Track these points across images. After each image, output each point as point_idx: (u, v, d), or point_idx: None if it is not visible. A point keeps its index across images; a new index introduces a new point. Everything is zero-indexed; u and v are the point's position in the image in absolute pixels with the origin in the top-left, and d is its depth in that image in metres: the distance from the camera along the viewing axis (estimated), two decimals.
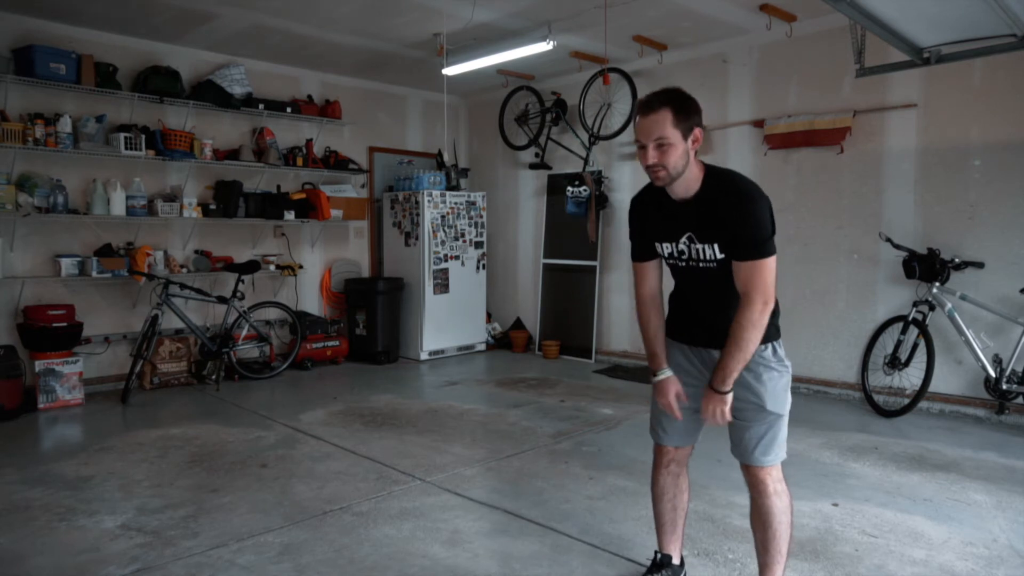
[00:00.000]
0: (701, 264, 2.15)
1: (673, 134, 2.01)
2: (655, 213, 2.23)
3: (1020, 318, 4.49)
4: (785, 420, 2.20)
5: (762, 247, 2.03)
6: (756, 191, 2.06)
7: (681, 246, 2.17)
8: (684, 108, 2.04)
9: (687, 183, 2.10)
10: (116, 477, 3.64)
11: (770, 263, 2.04)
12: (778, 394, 2.18)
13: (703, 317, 2.25)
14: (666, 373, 2.27)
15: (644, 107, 2.06)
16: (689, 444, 2.42)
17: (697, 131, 2.06)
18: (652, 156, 2.04)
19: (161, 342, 5.75)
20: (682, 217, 2.14)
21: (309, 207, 6.67)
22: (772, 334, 2.16)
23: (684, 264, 2.20)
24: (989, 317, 4.68)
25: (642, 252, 2.32)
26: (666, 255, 2.24)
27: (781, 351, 2.21)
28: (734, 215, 2.03)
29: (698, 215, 2.10)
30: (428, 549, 2.82)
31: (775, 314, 2.14)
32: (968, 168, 4.81)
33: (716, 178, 2.11)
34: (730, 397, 2.11)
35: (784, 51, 5.59)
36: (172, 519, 3.11)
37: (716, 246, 2.09)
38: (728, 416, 2.13)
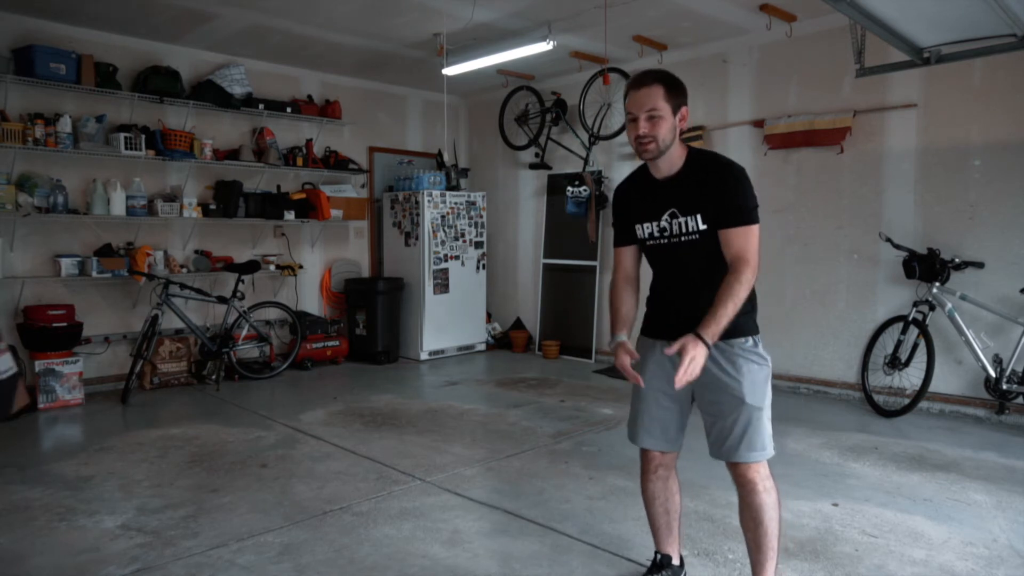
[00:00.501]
0: (683, 238, 2.19)
1: (664, 107, 2.12)
2: (638, 197, 2.31)
3: (1020, 318, 4.49)
4: (766, 414, 2.18)
5: (751, 213, 2.12)
6: (739, 166, 2.17)
7: (663, 223, 2.22)
8: (674, 86, 2.16)
9: (671, 160, 2.19)
10: (116, 477, 3.64)
11: (757, 231, 2.13)
12: (757, 386, 2.17)
13: (681, 305, 2.25)
14: (621, 338, 2.29)
15: (636, 82, 2.16)
16: (673, 451, 2.38)
17: (684, 110, 2.17)
18: (643, 127, 2.13)
19: (161, 342, 5.75)
20: (665, 195, 2.22)
21: (309, 207, 6.67)
22: (752, 328, 2.20)
23: (666, 242, 2.24)
24: (989, 317, 4.67)
25: (623, 237, 2.40)
26: (646, 235, 2.28)
27: (761, 345, 2.22)
28: (722, 184, 2.13)
29: (682, 189, 2.19)
30: (428, 549, 2.82)
31: (754, 309, 2.21)
32: (968, 168, 4.81)
33: (699, 156, 2.23)
34: (706, 352, 2.03)
35: (784, 51, 5.59)
36: (172, 519, 3.11)
37: (699, 217, 2.15)
38: (697, 372, 2.02)
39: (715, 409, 2.21)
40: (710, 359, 2.13)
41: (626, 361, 2.23)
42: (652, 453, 2.39)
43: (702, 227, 2.16)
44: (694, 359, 2.02)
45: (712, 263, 2.18)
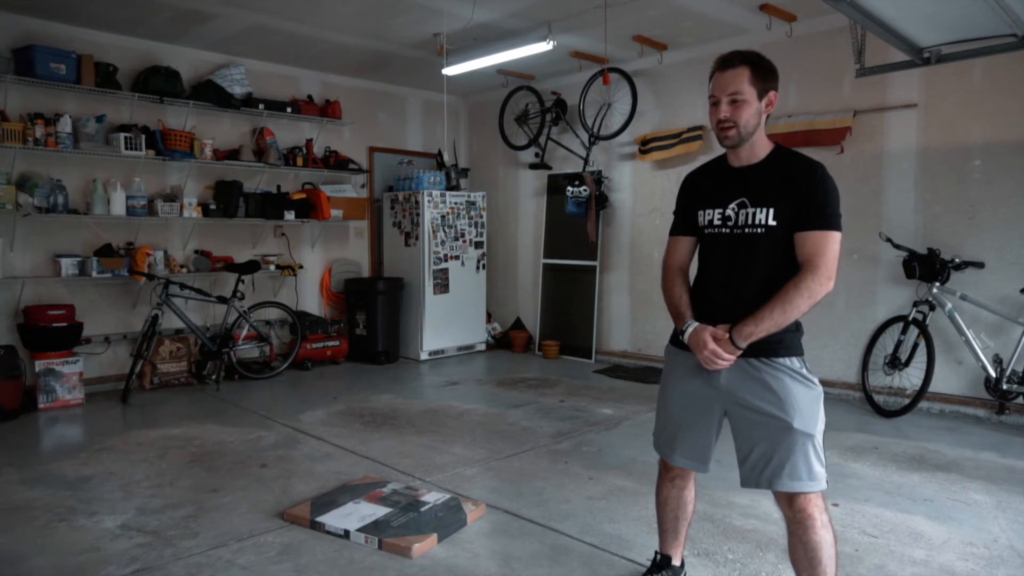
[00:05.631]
0: (747, 230, 2.04)
1: (748, 91, 1.99)
2: (706, 182, 2.19)
3: (1020, 318, 4.49)
4: (817, 441, 1.98)
5: (834, 218, 1.98)
6: (826, 169, 2.03)
7: (728, 211, 2.07)
8: (762, 68, 2.02)
9: (752, 148, 2.06)
10: (116, 477, 3.64)
11: (838, 239, 1.98)
12: (806, 410, 1.97)
13: (725, 312, 2.05)
14: (693, 324, 2.09)
15: (723, 62, 2.03)
16: (701, 471, 2.23)
17: (772, 94, 2.03)
18: (724, 111, 2.01)
19: (161, 342, 5.76)
20: (737, 182, 2.08)
21: (309, 207, 6.67)
22: (797, 348, 2.04)
23: (727, 231, 2.08)
24: (989, 317, 4.67)
25: (682, 226, 2.26)
26: (706, 222, 2.13)
27: (807, 368, 2.04)
28: (807, 183, 1.98)
29: (758, 180, 2.05)
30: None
31: (799, 329, 2.05)
32: (968, 168, 4.81)
33: (787, 151, 2.09)
34: (735, 356, 1.98)
35: (784, 51, 5.58)
36: (172, 519, 3.11)
37: (770, 211, 2.00)
38: (723, 365, 1.99)
39: (754, 434, 2.03)
40: (747, 376, 2.01)
41: (714, 349, 2.00)
42: (695, 471, 2.27)
43: (771, 223, 1.99)
44: (714, 352, 1.96)
45: (772, 270, 2.01)
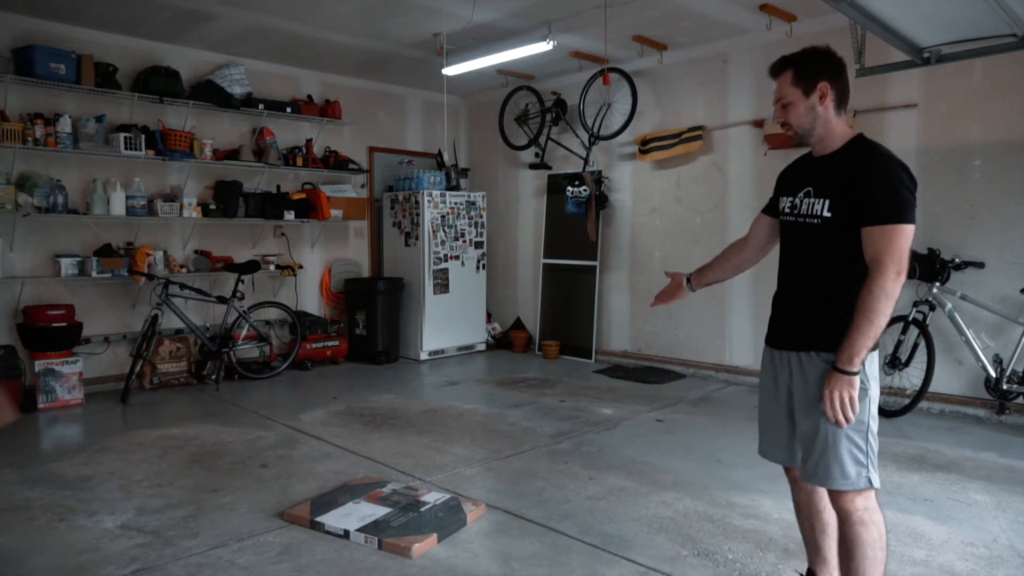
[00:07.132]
0: (806, 220, 2.07)
1: (792, 92, 2.05)
2: (792, 171, 2.25)
3: (1020, 318, 4.49)
4: (856, 438, 1.97)
5: (895, 211, 1.89)
6: (896, 160, 1.95)
7: (797, 199, 2.12)
8: (806, 65, 2.05)
9: (823, 141, 2.09)
10: (116, 477, 3.64)
11: (905, 231, 1.88)
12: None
13: (786, 303, 2.17)
14: (685, 272, 2.47)
15: (770, 71, 2.13)
16: (784, 462, 2.24)
17: (822, 86, 2.02)
18: (777, 114, 2.11)
19: (161, 342, 5.75)
20: (810, 173, 2.13)
21: (309, 207, 6.67)
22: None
23: (793, 219, 2.13)
24: (989, 317, 4.67)
25: (767, 206, 2.35)
26: (781, 209, 2.21)
27: (867, 362, 1.98)
28: (865, 176, 1.94)
29: (825, 170, 2.07)
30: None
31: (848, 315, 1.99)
32: (968, 168, 4.81)
33: (864, 144, 2.04)
34: (857, 381, 1.91)
35: (784, 51, 5.55)
36: (172, 519, 3.11)
37: (826, 203, 2.01)
38: (855, 410, 1.91)
39: (801, 428, 2.08)
40: (798, 370, 2.07)
41: (663, 293, 2.53)
42: (784, 467, 2.29)
43: (826, 214, 2.00)
44: (832, 394, 1.91)
45: (829, 264, 2.03)
